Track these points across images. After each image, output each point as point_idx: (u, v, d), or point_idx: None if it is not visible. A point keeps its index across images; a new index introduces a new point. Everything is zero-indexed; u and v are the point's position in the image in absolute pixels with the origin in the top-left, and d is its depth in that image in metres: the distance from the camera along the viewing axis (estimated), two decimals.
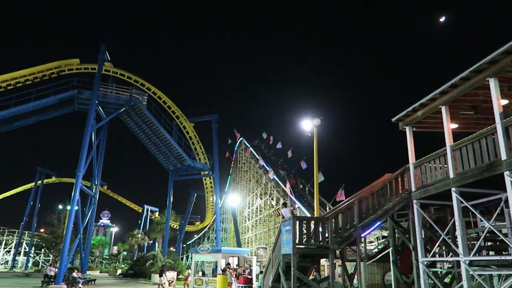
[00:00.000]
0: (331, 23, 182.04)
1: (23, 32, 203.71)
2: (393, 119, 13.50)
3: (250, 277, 23.10)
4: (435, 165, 12.13)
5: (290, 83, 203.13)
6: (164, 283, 22.91)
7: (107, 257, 70.97)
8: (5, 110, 30.18)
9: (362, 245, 16.11)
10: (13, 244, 59.69)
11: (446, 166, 11.42)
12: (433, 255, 13.07)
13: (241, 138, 63.93)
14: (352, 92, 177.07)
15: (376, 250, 21.09)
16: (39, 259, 59.37)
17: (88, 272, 37.48)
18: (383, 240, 28.21)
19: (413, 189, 12.83)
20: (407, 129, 13.32)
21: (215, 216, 50.07)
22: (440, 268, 15.44)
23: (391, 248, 13.95)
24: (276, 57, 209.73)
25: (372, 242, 30.12)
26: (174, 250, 49.33)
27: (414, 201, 12.65)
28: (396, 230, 14.11)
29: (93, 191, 36.11)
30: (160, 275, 23.29)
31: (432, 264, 13.41)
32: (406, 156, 13.35)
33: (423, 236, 12.59)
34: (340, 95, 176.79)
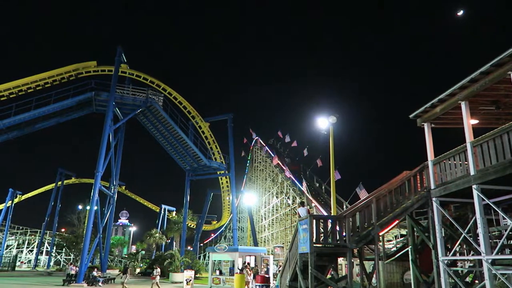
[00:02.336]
0: (347, 20, 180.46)
1: (38, 35, 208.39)
2: (411, 116, 13.27)
3: (267, 276, 23.12)
4: (455, 162, 11.89)
5: (305, 81, 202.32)
6: (126, 281, 22.62)
7: (126, 256, 72.04)
8: (26, 113, 30.92)
9: (381, 243, 15.92)
10: (36, 244, 61.19)
11: (466, 163, 11.19)
12: (454, 254, 12.82)
13: (257, 137, 63.97)
14: (368, 88, 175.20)
15: (394, 248, 20.86)
16: (61, 258, 60.69)
17: (107, 271, 38.08)
18: (401, 238, 27.85)
19: (432, 187, 12.61)
20: (426, 126, 13.08)
21: (231, 215, 50.28)
22: (461, 267, 15.13)
23: (410, 246, 13.75)
24: (291, 56, 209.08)
25: (390, 240, 29.75)
26: (191, 249, 49.75)
27: (434, 199, 12.43)
28: (415, 229, 13.90)
29: (112, 191, 36.65)
30: (124, 273, 23.11)
31: (453, 263, 13.16)
32: (424, 153, 13.14)
33: (443, 235, 12.37)
34: (356, 92, 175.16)
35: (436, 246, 12.13)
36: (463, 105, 11.27)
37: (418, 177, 13.83)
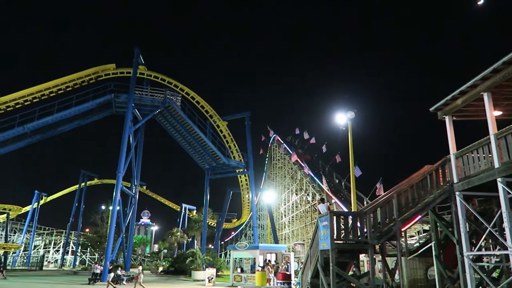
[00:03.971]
0: (364, 12, 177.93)
1: (54, 40, 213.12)
2: (431, 109, 13.02)
3: (288, 273, 23.11)
4: (478, 155, 11.62)
5: (323, 77, 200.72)
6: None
7: (149, 255, 73.17)
8: (49, 116, 31.76)
9: (403, 239, 15.70)
10: (61, 244, 62.83)
11: (490, 155, 10.92)
12: (479, 249, 12.54)
13: (275, 135, 63.91)
14: (387, 82, 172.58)
15: (417, 244, 20.54)
16: (86, 257, 62.10)
17: (131, 270, 38.75)
18: (424, 234, 27.42)
19: (455, 181, 12.35)
20: (447, 119, 12.81)
21: (251, 213, 50.43)
22: (487, 262, 14.79)
23: (433, 242, 13.52)
24: (308, 51, 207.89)
25: (413, 236, 29.33)
26: (212, 247, 50.17)
27: (457, 193, 12.17)
28: (438, 224, 13.66)
29: (133, 191, 37.24)
30: (109, 272, 21.90)
31: (478, 258, 12.87)
32: (446, 147, 12.87)
33: (468, 229, 12.11)
34: (375, 86, 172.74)
35: (460, 241, 11.89)
36: (485, 96, 10.99)
37: (440, 171, 13.56)
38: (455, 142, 12.69)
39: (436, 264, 13.11)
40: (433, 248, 13.47)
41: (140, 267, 22.32)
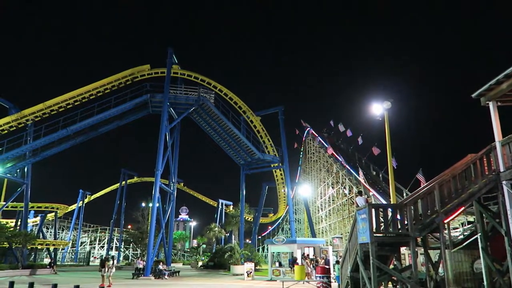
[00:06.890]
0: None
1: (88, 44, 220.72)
2: (473, 95, 12.39)
3: (327, 267, 22.94)
4: None
5: (357, 67, 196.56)
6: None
7: (188, 250, 74.93)
8: (90, 118, 33.08)
9: (446, 231, 15.16)
10: (106, 240, 65.53)
11: None
12: None
13: (309, 128, 63.40)
14: (425, 68, 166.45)
15: (461, 236, 19.81)
16: (129, 253, 64.45)
17: (172, 265, 39.81)
18: (469, 226, 26.38)
19: (501, 169, 11.77)
20: (491, 104, 12.18)
21: (287, 207, 50.36)
22: None
23: (479, 234, 12.97)
24: (341, 40, 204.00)
25: (456, 228, 28.29)
26: (250, 242, 50.58)
27: (504, 182, 11.60)
28: (484, 215, 13.07)
29: (171, 188, 38.12)
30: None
31: None
32: (489, 134, 12.26)
33: None
34: (412, 72, 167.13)
35: (509, 232, 11.33)
36: None
37: (484, 160, 12.94)
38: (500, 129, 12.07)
39: (483, 257, 12.57)
40: (479, 240, 12.93)
41: (111, 261, 21.88)
